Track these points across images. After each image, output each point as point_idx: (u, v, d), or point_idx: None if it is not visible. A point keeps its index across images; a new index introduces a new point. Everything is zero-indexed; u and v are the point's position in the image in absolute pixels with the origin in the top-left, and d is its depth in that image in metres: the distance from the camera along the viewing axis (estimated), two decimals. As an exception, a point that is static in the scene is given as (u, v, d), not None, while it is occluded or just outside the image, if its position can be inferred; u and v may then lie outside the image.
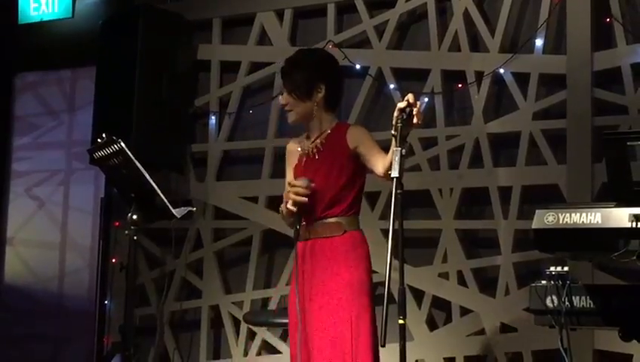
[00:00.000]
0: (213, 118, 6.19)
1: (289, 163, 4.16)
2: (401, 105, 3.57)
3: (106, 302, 6.35)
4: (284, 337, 5.74)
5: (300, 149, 4.10)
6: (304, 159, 4.07)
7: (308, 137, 4.11)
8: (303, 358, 3.90)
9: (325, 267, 3.89)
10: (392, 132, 3.54)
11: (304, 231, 3.97)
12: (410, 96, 3.58)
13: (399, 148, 3.47)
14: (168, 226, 5.61)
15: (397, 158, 3.45)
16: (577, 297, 3.78)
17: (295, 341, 3.95)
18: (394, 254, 3.36)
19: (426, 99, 3.74)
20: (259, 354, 5.86)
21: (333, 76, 4.10)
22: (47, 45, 7.06)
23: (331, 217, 3.95)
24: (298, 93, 4.02)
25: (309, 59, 4.11)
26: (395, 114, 3.56)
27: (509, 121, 5.30)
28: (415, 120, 3.56)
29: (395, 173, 3.44)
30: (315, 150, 4.04)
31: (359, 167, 3.96)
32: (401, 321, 3.43)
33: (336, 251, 3.91)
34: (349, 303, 3.83)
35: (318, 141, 4.04)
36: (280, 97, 4.19)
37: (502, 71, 5.30)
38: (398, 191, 3.44)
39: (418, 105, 3.60)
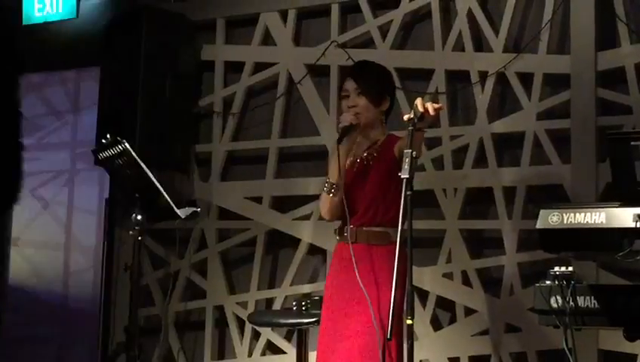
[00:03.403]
0: (217, 118, 6.19)
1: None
2: (406, 117, 3.62)
3: (110, 302, 6.36)
4: (288, 337, 5.75)
5: (349, 155, 4.11)
6: (356, 165, 4.10)
7: (359, 144, 4.12)
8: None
9: (368, 274, 3.91)
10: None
11: (351, 234, 4.01)
12: (418, 103, 3.63)
13: (410, 151, 3.50)
14: (173, 226, 5.62)
15: (407, 160, 3.47)
16: (582, 297, 3.79)
17: (324, 335, 4.01)
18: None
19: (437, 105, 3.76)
20: (263, 354, 5.85)
21: (394, 92, 4.28)
22: (52, 46, 7.06)
23: (379, 226, 4.00)
24: (372, 97, 4.06)
25: (381, 69, 4.23)
26: (405, 118, 3.62)
27: (513, 121, 5.30)
28: (431, 112, 3.63)
29: (405, 175, 3.46)
30: (368, 157, 4.06)
31: None
32: (409, 321, 3.45)
33: (380, 260, 3.93)
34: (381, 315, 3.82)
35: (372, 149, 4.08)
36: (344, 100, 4.15)
37: (506, 71, 5.30)
38: (408, 192, 3.46)
39: (424, 104, 3.63)
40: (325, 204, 4.10)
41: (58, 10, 6.88)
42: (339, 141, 4.00)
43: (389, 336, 3.46)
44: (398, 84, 5.55)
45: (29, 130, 7.30)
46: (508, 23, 5.34)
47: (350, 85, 4.11)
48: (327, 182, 4.06)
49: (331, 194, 4.04)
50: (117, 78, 6.05)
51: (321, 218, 5.51)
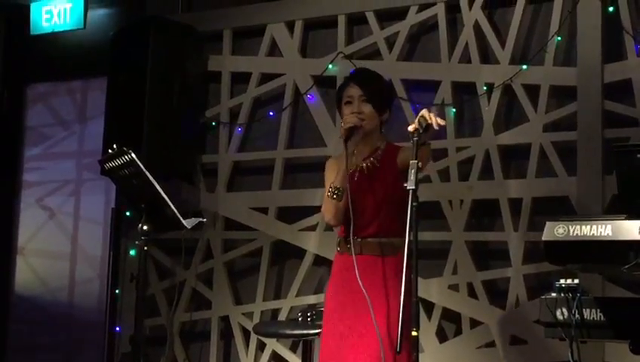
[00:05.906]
0: (223, 128, 6.20)
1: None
2: (411, 128, 3.61)
3: (116, 312, 6.36)
4: (294, 348, 5.74)
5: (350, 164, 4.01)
6: (356, 175, 4.03)
7: (359, 152, 4.04)
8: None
9: (375, 286, 3.87)
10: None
11: (356, 246, 3.97)
12: (425, 114, 3.62)
13: (416, 161, 3.49)
14: (178, 237, 5.60)
15: (413, 171, 3.46)
16: (588, 310, 3.78)
17: (329, 342, 3.98)
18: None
19: (442, 123, 3.74)
20: (268, 365, 5.87)
21: (393, 104, 4.23)
22: (59, 56, 7.10)
23: (384, 237, 3.96)
24: (376, 105, 4.03)
25: (383, 79, 4.20)
26: (410, 129, 3.60)
27: (520, 133, 5.30)
28: (435, 127, 3.62)
29: (411, 186, 3.45)
30: (370, 166, 4.02)
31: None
32: (414, 333, 3.44)
33: (387, 271, 3.91)
34: (390, 328, 3.81)
35: (372, 158, 4.04)
36: (346, 106, 4.08)
37: (512, 83, 5.30)
38: (414, 203, 3.45)
39: (431, 116, 3.63)
40: (331, 209, 3.99)
41: (66, 21, 6.91)
42: (346, 140, 3.92)
43: (398, 350, 3.44)
44: (404, 95, 5.57)
45: (35, 140, 7.38)
46: (514, 35, 5.35)
47: (355, 92, 4.05)
48: (332, 187, 3.96)
49: (335, 198, 3.94)
50: (124, 88, 6.07)
51: (327, 228, 5.55)
